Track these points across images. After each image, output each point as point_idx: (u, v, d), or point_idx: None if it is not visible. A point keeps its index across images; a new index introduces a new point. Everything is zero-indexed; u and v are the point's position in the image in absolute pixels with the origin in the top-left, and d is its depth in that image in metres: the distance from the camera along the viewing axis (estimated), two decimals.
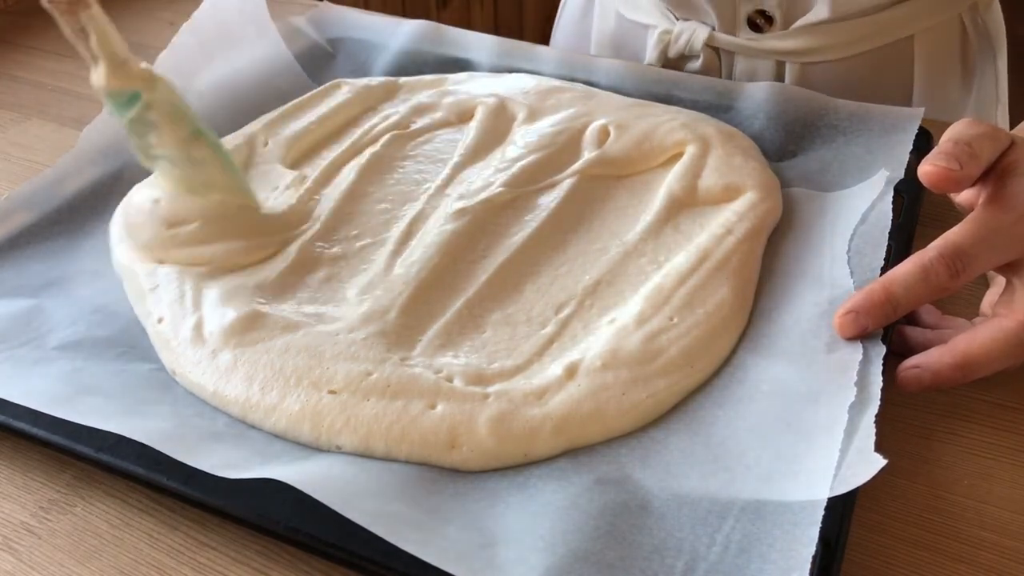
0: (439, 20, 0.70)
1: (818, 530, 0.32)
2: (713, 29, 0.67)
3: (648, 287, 0.44)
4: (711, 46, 0.67)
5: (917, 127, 0.53)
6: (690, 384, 0.41)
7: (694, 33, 0.67)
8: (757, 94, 0.58)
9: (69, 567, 0.36)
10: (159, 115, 0.44)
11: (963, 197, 0.45)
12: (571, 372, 0.40)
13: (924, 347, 0.41)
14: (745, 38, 0.66)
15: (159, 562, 0.36)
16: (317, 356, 0.41)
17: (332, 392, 0.39)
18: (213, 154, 0.47)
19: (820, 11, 0.63)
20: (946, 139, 0.41)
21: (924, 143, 0.55)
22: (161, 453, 0.36)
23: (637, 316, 0.42)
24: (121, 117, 0.44)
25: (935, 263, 0.39)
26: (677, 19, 0.68)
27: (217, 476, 0.35)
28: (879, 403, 0.36)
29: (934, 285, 0.39)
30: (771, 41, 0.65)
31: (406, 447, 0.38)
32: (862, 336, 0.40)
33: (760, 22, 0.65)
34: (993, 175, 0.41)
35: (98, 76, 0.43)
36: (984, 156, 0.40)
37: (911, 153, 0.51)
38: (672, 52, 0.68)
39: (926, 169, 0.40)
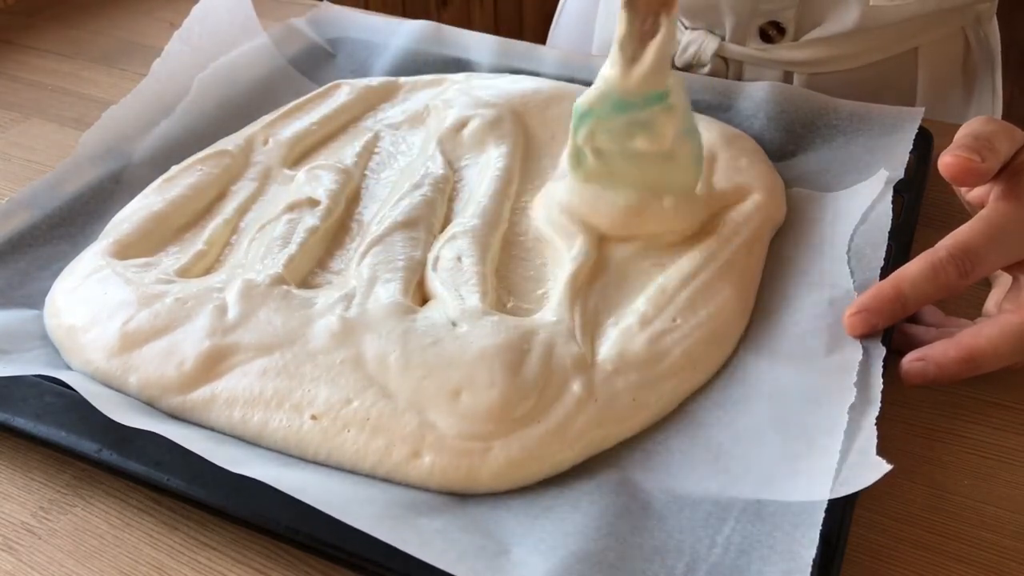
0: (439, 20, 0.70)
1: (819, 532, 0.32)
2: (722, 39, 0.67)
3: (651, 288, 0.44)
4: (719, 56, 0.67)
5: (917, 127, 0.53)
6: (693, 385, 0.40)
7: (703, 44, 0.67)
8: (757, 94, 0.58)
9: (69, 567, 0.36)
10: (676, 112, 0.44)
11: (973, 195, 0.45)
12: (588, 388, 0.39)
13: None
14: (754, 48, 0.66)
15: (159, 562, 0.36)
16: (298, 377, 0.39)
17: (314, 418, 0.38)
18: (692, 153, 0.46)
19: (847, 21, 0.62)
20: (964, 134, 0.41)
21: (924, 143, 0.55)
22: (162, 453, 0.36)
23: (640, 317, 0.42)
24: (616, 118, 0.45)
25: (945, 263, 0.39)
26: (686, 28, 0.68)
27: (216, 477, 0.35)
28: (879, 405, 0.36)
29: (943, 284, 0.39)
30: (780, 52, 0.65)
31: (398, 481, 0.37)
32: (871, 334, 0.40)
33: (772, 33, 0.65)
34: (1005, 173, 0.41)
35: (630, 77, 0.44)
36: (1001, 152, 0.40)
37: (911, 153, 0.51)
38: (679, 62, 0.68)
39: (947, 161, 0.39)
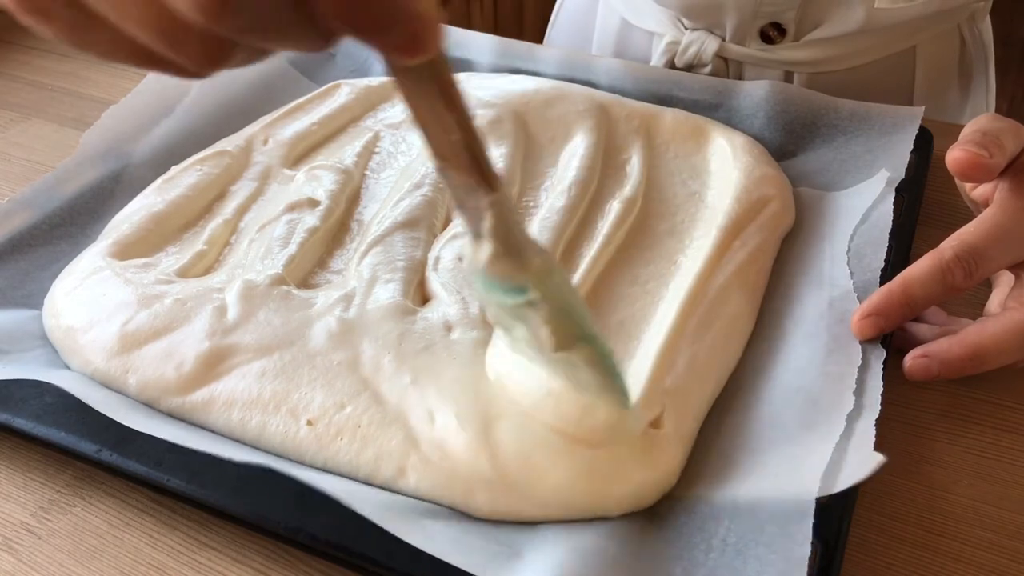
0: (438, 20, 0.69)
1: (812, 525, 0.31)
2: (723, 40, 0.67)
3: (668, 309, 0.43)
4: (720, 56, 0.67)
5: (917, 126, 0.53)
6: (716, 393, 0.40)
7: (703, 45, 0.67)
8: (757, 93, 0.58)
9: (69, 567, 0.36)
10: (543, 314, 0.33)
11: (977, 193, 0.45)
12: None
13: None
14: (755, 49, 0.66)
15: (159, 562, 0.36)
16: (295, 380, 0.39)
17: (310, 423, 0.38)
18: (594, 361, 0.34)
19: (851, 23, 0.62)
20: (972, 130, 0.40)
21: (924, 143, 0.55)
22: (162, 453, 0.36)
23: (668, 337, 0.40)
24: (491, 296, 0.33)
25: (952, 264, 0.39)
26: (686, 28, 0.68)
27: (216, 477, 0.35)
28: (879, 407, 0.36)
29: (949, 285, 0.39)
30: (781, 52, 0.65)
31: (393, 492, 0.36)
32: (879, 336, 0.40)
33: (773, 34, 0.65)
34: (1010, 172, 0.41)
35: (481, 254, 0.32)
36: (1008, 149, 0.40)
37: (911, 153, 0.51)
38: (680, 62, 0.68)
39: (956, 155, 0.39)
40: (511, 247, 0.32)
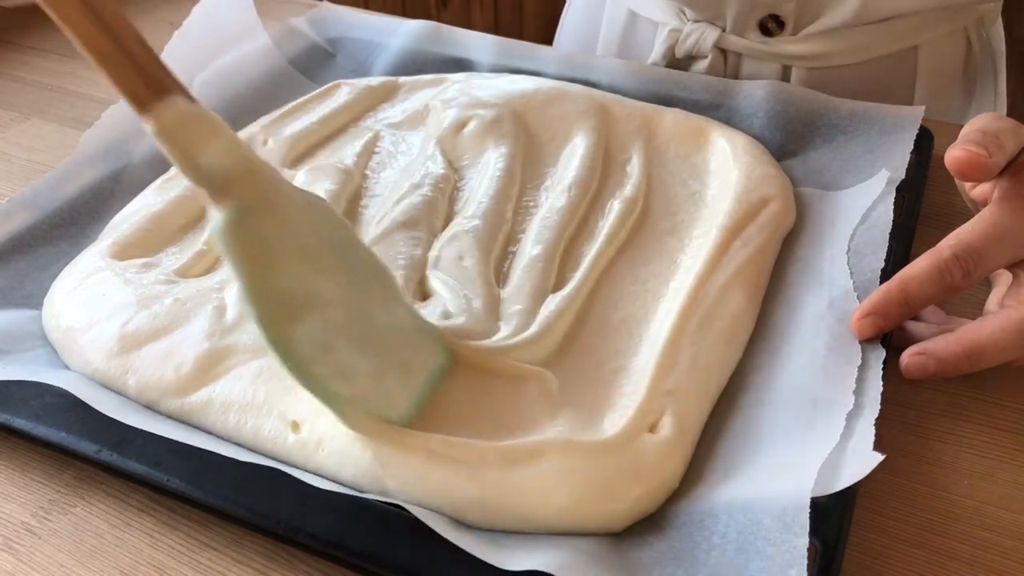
0: (439, 20, 0.70)
1: (808, 515, 0.31)
2: (723, 31, 0.67)
3: (668, 309, 0.43)
4: (719, 47, 0.67)
5: (918, 126, 0.53)
6: (717, 393, 0.40)
7: (703, 34, 0.67)
8: (757, 93, 0.58)
9: (69, 567, 0.36)
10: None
11: (977, 192, 0.45)
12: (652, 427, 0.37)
13: None
14: (755, 41, 0.66)
15: (159, 562, 0.36)
16: (288, 379, 0.37)
17: (295, 425, 0.37)
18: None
19: (845, 13, 0.63)
20: (973, 129, 0.40)
21: (925, 142, 0.55)
22: (162, 453, 0.36)
23: (669, 336, 0.41)
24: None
25: (950, 263, 0.39)
26: (688, 20, 0.68)
27: (216, 477, 0.35)
28: (879, 407, 0.36)
29: (948, 285, 0.39)
30: (780, 45, 0.66)
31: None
32: (879, 336, 0.40)
33: (771, 26, 0.65)
34: (1009, 171, 0.41)
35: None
36: (1008, 149, 0.40)
37: (912, 153, 0.51)
38: (679, 52, 0.68)
39: (955, 154, 0.39)
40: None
